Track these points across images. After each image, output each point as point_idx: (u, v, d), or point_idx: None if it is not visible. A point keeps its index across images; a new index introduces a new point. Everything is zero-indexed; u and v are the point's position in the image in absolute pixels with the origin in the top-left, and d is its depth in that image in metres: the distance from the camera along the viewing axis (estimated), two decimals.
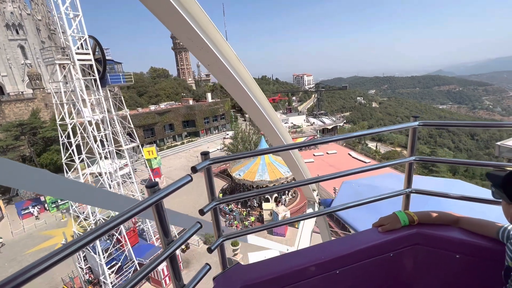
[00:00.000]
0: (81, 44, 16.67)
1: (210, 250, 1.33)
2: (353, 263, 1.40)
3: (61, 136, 17.32)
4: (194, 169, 1.14)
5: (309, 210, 6.33)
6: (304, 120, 68.30)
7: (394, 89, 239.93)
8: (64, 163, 17.64)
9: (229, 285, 1.26)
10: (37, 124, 41.75)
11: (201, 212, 1.22)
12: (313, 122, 67.51)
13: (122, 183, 20.45)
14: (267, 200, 28.45)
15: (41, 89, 50.47)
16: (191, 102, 64.70)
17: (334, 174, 1.61)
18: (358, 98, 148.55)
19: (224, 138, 58.89)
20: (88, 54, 16.94)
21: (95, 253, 18.14)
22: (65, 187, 2.42)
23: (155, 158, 37.56)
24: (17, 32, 56.64)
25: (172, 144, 58.74)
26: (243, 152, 1.55)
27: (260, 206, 28.37)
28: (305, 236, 6.01)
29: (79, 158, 17.76)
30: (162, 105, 62.66)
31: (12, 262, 22.96)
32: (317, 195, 6.04)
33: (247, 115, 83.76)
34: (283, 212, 24.51)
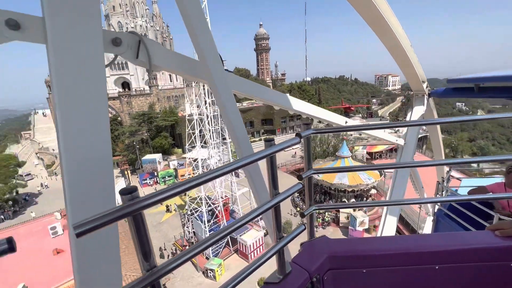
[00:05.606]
0: None
1: (302, 215, 1.45)
2: (457, 262, 1.26)
3: (187, 127, 22.87)
4: (299, 135, 1.26)
5: (417, 107, 6.39)
6: None
7: None
8: (186, 149, 23.30)
9: (316, 252, 1.31)
10: (153, 115, 52.98)
11: (299, 177, 1.35)
12: (397, 130, 61.64)
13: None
14: None
15: (156, 87, 63.35)
16: None
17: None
18: (457, 104, 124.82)
19: None
20: None
21: (201, 222, 23.09)
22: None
23: None
24: None
25: (251, 140, 64.10)
26: (345, 125, 1.63)
27: None
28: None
29: (188, 145, 23.49)
30: (245, 103, 68.89)
31: None
32: (426, 87, 6.03)
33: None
34: (361, 217, 24.79)
